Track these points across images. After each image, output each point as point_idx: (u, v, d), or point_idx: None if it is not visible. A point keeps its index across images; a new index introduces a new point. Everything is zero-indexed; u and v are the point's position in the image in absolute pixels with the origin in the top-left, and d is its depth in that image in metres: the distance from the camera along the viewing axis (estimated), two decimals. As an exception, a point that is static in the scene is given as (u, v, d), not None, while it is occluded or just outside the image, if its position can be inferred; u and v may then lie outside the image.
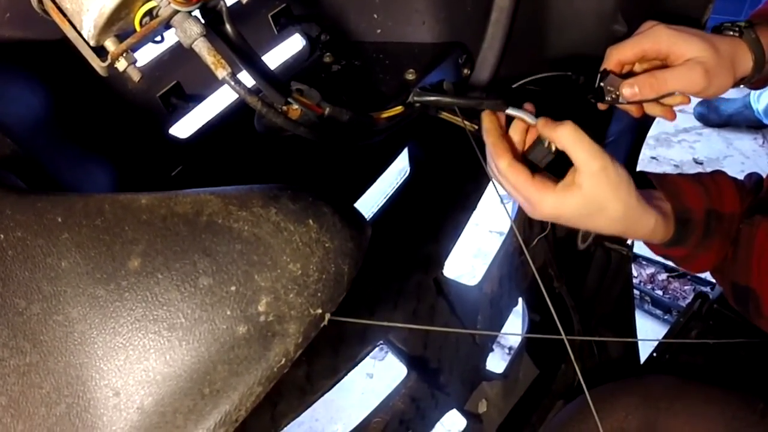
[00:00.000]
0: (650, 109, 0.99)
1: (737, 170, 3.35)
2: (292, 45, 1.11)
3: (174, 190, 0.56)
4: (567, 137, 0.84)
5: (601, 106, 0.99)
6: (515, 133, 0.92)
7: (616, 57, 0.94)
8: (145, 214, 0.54)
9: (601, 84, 0.95)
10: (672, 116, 1.00)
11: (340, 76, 1.04)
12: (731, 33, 0.95)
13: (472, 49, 1.14)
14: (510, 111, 0.91)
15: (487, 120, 0.92)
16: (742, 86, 1.01)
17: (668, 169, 3.46)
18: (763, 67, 0.95)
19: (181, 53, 0.91)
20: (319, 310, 0.53)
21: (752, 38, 0.94)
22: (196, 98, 0.98)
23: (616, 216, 0.87)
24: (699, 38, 0.90)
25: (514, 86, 0.91)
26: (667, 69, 0.91)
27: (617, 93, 0.94)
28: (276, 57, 1.09)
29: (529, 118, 0.89)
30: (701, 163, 3.49)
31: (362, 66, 1.05)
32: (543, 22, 1.27)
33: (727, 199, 1.03)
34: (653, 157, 3.53)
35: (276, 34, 1.06)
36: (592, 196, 0.85)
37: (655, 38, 0.92)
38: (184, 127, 1.00)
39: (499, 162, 0.88)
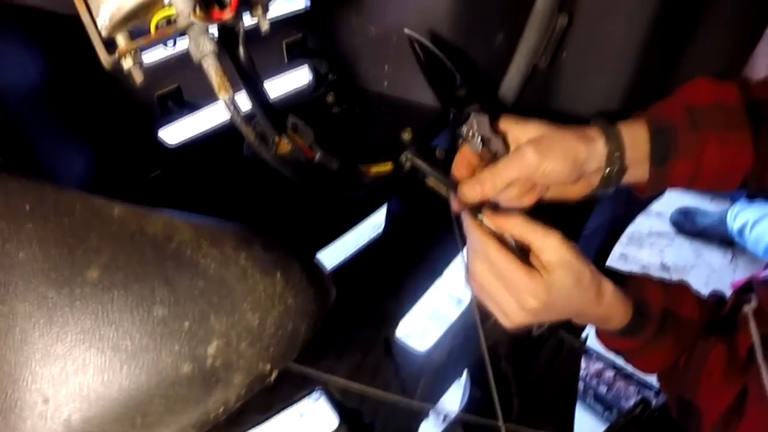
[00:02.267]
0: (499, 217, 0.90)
1: (702, 281, 3.40)
2: (300, 77, 1.11)
3: (149, 207, 0.55)
4: (519, 225, 0.84)
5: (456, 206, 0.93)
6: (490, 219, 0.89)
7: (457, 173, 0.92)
8: (115, 225, 0.52)
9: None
10: (529, 201, 0.95)
11: (338, 119, 1.04)
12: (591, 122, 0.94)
13: (473, 121, 1.15)
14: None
15: (467, 215, 0.89)
16: (606, 188, 0.95)
17: (635, 269, 3.48)
18: (623, 161, 0.91)
19: (188, 58, 0.90)
20: (268, 366, 0.51)
21: (605, 123, 0.92)
22: (193, 107, 0.98)
23: (575, 295, 0.86)
24: (536, 120, 0.90)
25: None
26: (500, 159, 0.89)
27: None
28: (281, 85, 1.09)
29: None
30: (668, 269, 3.52)
31: (362, 114, 1.05)
32: (544, 111, 1.28)
33: (687, 304, 1.03)
34: (623, 254, 3.56)
35: (286, 63, 1.06)
36: (567, 271, 0.84)
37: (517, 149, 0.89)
38: (173, 133, 0.99)
39: (488, 248, 0.84)
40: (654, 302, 0.99)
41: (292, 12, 1.06)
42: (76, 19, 0.62)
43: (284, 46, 1.04)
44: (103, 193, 0.88)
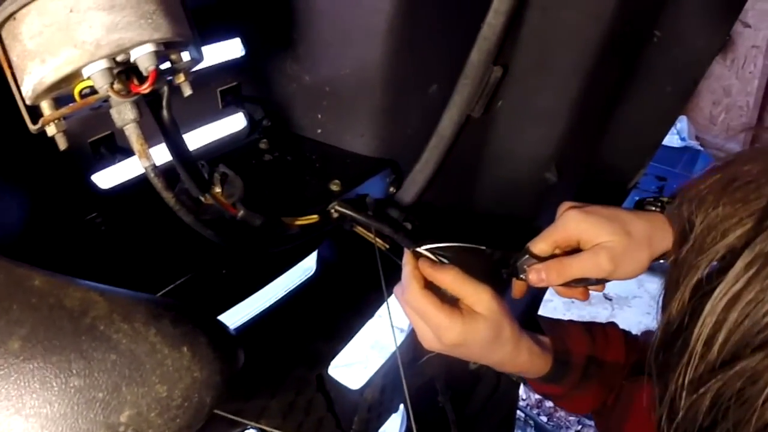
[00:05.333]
0: (562, 290, 0.98)
1: (644, 311, 3.48)
2: (234, 122, 1.12)
3: (68, 278, 0.57)
4: (452, 280, 0.89)
5: (517, 288, 1.00)
6: (424, 266, 0.93)
7: (533, 251, 0.96)
8: (35, 297, 0.54)
9: (518, 263, 0.96)
10: (585, 297, 1.00)
11: (269, 167, 1.06)
12: (653, 209, 0.98)
13: (404, 167, 1.18)
14: (419, 249, 0.94)
15: (408, 252, 0.94)
16: (662, 261, 0.99)
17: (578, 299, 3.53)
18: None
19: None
20: (175, 435, 0.53)
21: (676, 212, 0.95)
22: (126, 153, 0.98)
23: (493, 346, 0.91)
24: (608, 223, 0.91)
25: (426, 248, 0.93)
26: (574, 255, 0.92)
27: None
28: (215, 130, 1.11)
29: (433, 258, 0.93)
30: (610, 299, 3.59)
31: (293, 162, 1.07)
32: (478, 156, 1.32)
33: (612, 349, 1.06)
34: (566, 284, 3.59)
35: (220, 110, 1.08)
36: (491, 323, 0.89)
37: (565, 228, 0.93)
38: (106, 177, 0.99)
39: (410, 288, 0.89)
40: (577, 352, 1.03)
41: (227, 60, 1.08)
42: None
43: (219, 93, 1.06)
44: (35, 239, 0.89)
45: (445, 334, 0.88)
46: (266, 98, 1.13)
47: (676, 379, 0.64)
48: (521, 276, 0.96)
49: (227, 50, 1.07)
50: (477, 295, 0.89)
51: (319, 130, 1.13)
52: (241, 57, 1.09)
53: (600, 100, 1.30)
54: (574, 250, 0.94)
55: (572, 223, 0.93)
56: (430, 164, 1.18)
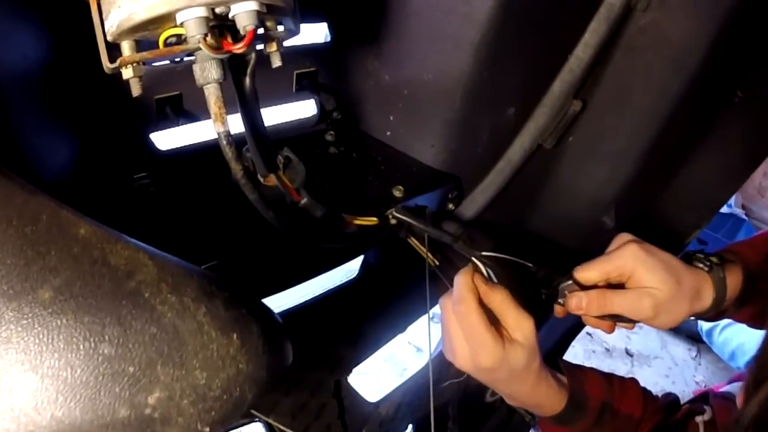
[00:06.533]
0: (591, 320, 0.97)
1: (662, 373, 3.39)
2: (304, 108, 1.09)
3: (117, 233, 0.52)
4: (500, 302, 0.86)
5: (557, 311, 0.98)
6: (478, 282, 0.90)
7: (578, 277, 0.93)
8: (77, 247, 0.49)
9: (560, 286, 0.94)
10: (611, 330, 0.98)
11: (333, 160, 1.02)
12: (701, 266, 0.95)
13: (466, 186, 1.14)
14: (480, 254, 0.91)
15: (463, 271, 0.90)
16: (692, 318, 0.98)
17: (599, 350, 3.47)
18: (721, 305, 0.94)
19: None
20: (206, 429, 0.49)
21: (719, 278, 0.94)
22: (190, 117, 0.95)
23: (519, 375, 0.89)
24: (663, 269, 0.89)
25: (481, 254, 0.90)
26: (619, 291, 0.90)
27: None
28: (284, 112, 1.07)
29: (484, 272, 0.90)
30: (632, 355, 3.51)
31: (358, 160, 1.03)
32: (541, 187, 1.28)
33: (628, 400, 1.04)
34: (588, 333, 3.54)
35: (293, 93, 1.04)
36: (527, 352, 0.86)
37: (622, 260, 0.91)
38: (165, 138, 0.97)
39: (465, 301, 0.86)
40: (593, 395, 1.00)
41: (310, 44, 1.05)
42: (87, 8, 0.60)
43: (295, 75, 1.03)
44: (81, 189, 0.86)
45: (483, 355, 0.85)
46: (340, 90, 1.10)
47: None
48: (560, 300, 0.94)
49: (312, 34, 1.04)
50: (519, 322, 0.86)
51: (389, 133, 1.09)
52: (324, 43, 1.06)
53: (671, 151, 1.26)
54: (617, 284, 0.93)
55: (630, 258, 0.90)
56: (493, 186, 1.15)
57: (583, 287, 0.93)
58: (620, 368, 3.41)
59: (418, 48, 1.02)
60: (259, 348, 0.52)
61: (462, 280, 0.87)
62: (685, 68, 1.09)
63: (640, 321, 0.91)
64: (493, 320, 0.86)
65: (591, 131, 1.20)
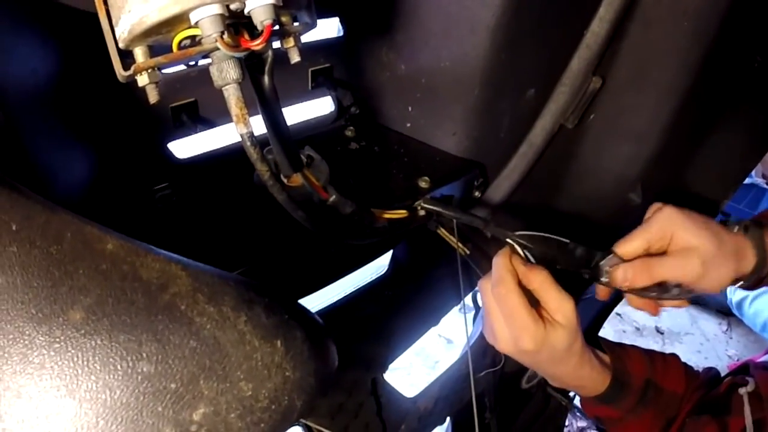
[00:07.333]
0: (635, 300, 0.93)
1: (694, 349, 3.36)
2: (322, 105, 1.08)
3: (146, 245, 0.50)
4: (540, 282, 0.84)
5: (600, 291, 0.96)
6: (517, 263, 0.89)
7: (621, 251, 0.90)
8: (106, 263, 0.47)
9: (600, 263, 0.91)
10: (656, 311, 0.95)
11: (355, 155, 1.00)
12: (737, 229, 0.92)
13: (490, 172, 1.12)
14: (515, 234, 0.88)
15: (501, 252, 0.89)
16: (737, 285, 0.94)
17: (629, 330, 3.45)
18: (763, 269, 0.91)
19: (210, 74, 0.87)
20: (257, 442, 0.47)
21: (757, 238, 0.91)
22: (207, 123, 0.94)
23: (562, 356, 0.88)
24: (704, 227, 0.87)
25: (516, 235, 0.87)
26: (663, 256, 0.87)
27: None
28: (302, 111, 1.06)
29: (521, 254, 0.88)
30: (662, 333, 3.48)
31: (380, 154, 1.02)
32: (565, 168, 1.25)
33: (671, 377, 1.03)
34: (618, 313, 3.51)
35: (309, 90, 1.02)
36: (568, 333, 0.85)
37: (660, 224, 0.88)
38: (183, 146, 0.95)
39: (504, 282, 0.85)
40: (636, 374, 1.00)
41: (323, 39, 1.03)
42: (95, 18, 0.58)
43: (310, 73, 1.01)
44: (101, 203, 0.85)
45: (525, 337, 0.84)
46: (357, 84, 1.08)
47: None
48: (602, 279, 0.91)
49: (325, 29, 1.02)
50: (560, 303, 0.84)
51: (409, 124, 1.07)
52: (338, 38, 1.04)
53: (693, 124, 1.23)
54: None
55: (668, 221, 0.88)
56: (517, 171, 1.13)
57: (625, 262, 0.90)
58: (651, 347, 3.37)
59: (433, 35, 1.00)
60: (304, 353, 0.50)
61: (500, 262, 0.86)
62: (702, 38, 1.07)
63: (690, 283, 0.87)
64: (532, 301, 0.85)
65: (612, 108, 1.17)
